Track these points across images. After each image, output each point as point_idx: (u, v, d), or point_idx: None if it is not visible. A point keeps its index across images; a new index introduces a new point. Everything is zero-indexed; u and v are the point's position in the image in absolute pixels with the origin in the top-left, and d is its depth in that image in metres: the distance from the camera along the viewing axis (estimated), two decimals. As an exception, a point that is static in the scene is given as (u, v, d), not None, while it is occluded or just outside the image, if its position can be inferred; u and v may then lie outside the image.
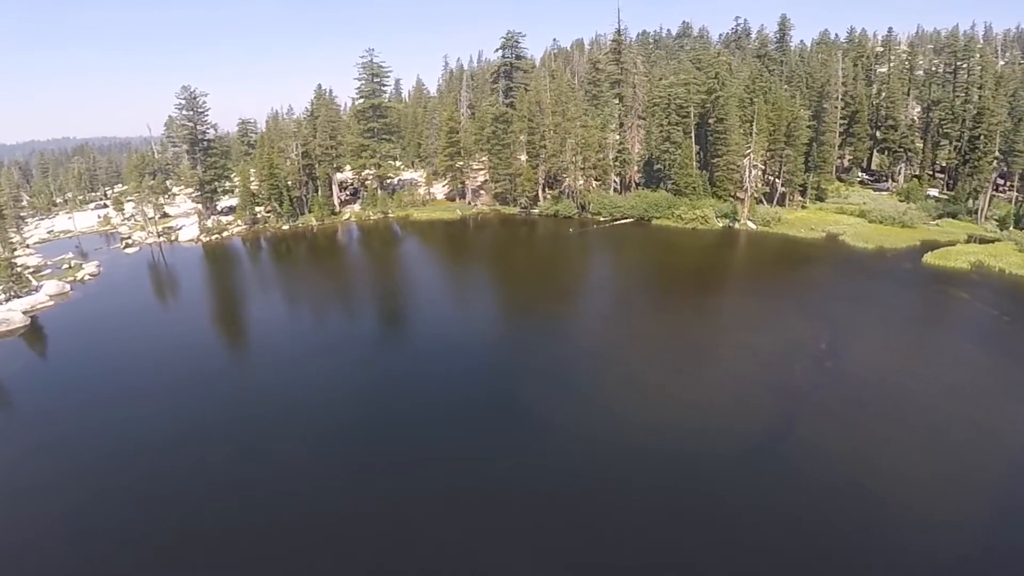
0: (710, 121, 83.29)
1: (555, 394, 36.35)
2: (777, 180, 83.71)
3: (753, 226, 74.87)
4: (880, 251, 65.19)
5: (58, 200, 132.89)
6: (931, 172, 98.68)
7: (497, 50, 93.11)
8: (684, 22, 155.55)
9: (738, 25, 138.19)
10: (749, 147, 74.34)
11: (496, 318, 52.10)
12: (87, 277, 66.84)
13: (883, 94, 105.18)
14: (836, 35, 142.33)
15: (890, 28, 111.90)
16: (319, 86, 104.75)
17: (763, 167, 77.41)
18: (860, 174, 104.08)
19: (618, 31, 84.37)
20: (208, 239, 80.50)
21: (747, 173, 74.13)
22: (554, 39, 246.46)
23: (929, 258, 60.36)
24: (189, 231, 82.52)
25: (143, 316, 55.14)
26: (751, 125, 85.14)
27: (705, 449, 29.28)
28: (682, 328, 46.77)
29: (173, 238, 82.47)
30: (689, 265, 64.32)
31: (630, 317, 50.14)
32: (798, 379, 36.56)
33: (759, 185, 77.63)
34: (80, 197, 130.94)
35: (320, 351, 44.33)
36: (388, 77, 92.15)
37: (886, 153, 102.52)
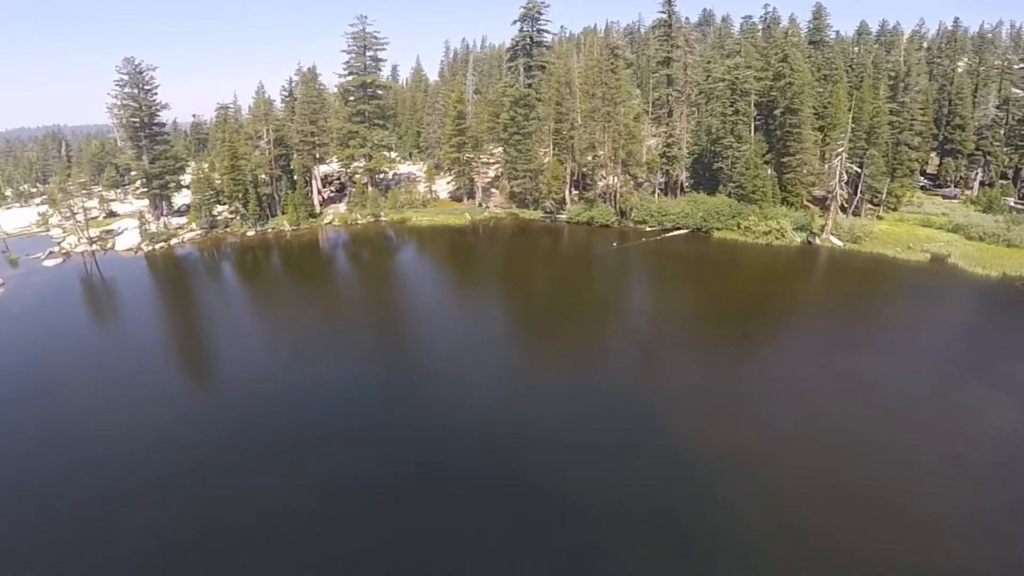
0: (776, 113, 64.53)
1: (656, 529, 21.07)
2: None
3: (838, 242, 56.39)
4: (1005, 280, 48.60)
5: (7, 193, 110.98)
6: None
7: (515, 22, 73.35)
8: (705, 10, 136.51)
9: (767, 13, 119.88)
10: (840, 145, 55.52)
11: (530, 382, 32.99)
12: (-23, 301, 46.61)
13: (946, 89, 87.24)
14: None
15: (956, 19, 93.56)
16: (309, 68, 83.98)
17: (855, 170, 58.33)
18: (921, 178, 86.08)
19: (668, 1, 64.57)
20: (151, 248, 59.97)
21: (837, 178, 55.41)
22: (562, 26, 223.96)
23: (1073, 290, 44.03)
24: (128, 237, 61.97)
25: (23, 376, 35.42)
26: (820, 119, 67.14)
27: None
28: (829, 409, 29.07)
29: (109, 246, 61.82)
30: (787, 299, 46.09)
31: (738, 386, 32.02)
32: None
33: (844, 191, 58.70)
34: (33, 190, 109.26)
35: (278, 423, 27.37)
36: (383, 50, 71.93)
37: (952, 156, 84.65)
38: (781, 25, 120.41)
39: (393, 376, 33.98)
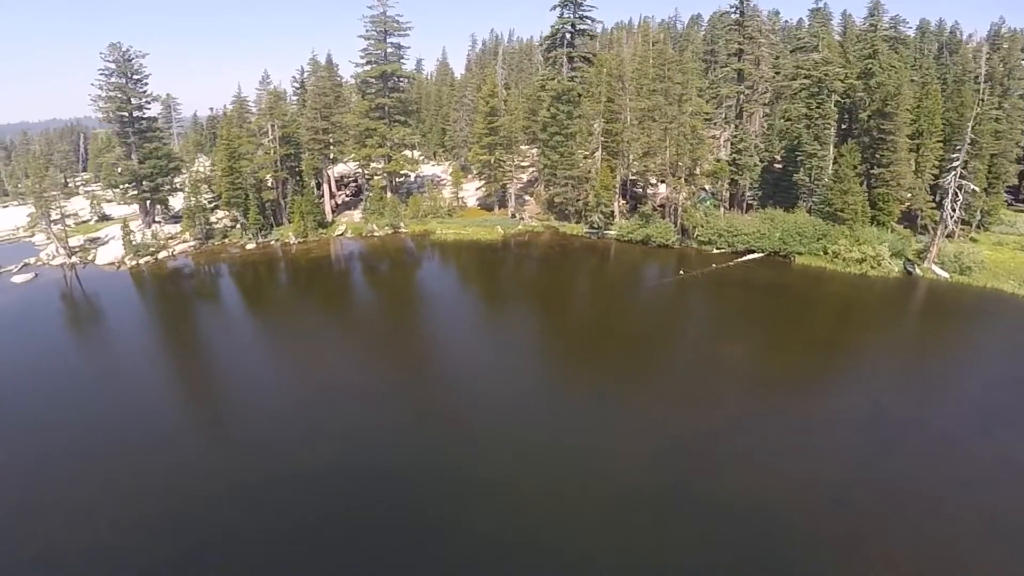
0: (863, 117, 53.79)
1: None
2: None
3: (943, 273, 45.72)
4: None
5: (8, 189, 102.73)
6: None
7: (554, 7, 62.76)
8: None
9: (819, 7, 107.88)
10: (956, 159, 44.77)
11: (592, 460, 22.81)
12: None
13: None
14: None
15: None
16: (326, 58, 74.00)
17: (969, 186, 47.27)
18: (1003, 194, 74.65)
19: (740, -20, 53.84)
20: (137, 262, 50.45)
21: (950, 197, 44.74)
22: (592, 20, 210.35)
23: None
24: (112, 248, 52.57)
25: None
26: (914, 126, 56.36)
27: None
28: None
29: (90, 257, 52.44)
30: (906, 352, 35.95)
31: (888, 489, 22.32)
32: None
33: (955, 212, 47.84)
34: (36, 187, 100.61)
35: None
36: (407, 36, 61.70)
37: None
38: (834, 21, 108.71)
39: (417, 431, 24.33)
